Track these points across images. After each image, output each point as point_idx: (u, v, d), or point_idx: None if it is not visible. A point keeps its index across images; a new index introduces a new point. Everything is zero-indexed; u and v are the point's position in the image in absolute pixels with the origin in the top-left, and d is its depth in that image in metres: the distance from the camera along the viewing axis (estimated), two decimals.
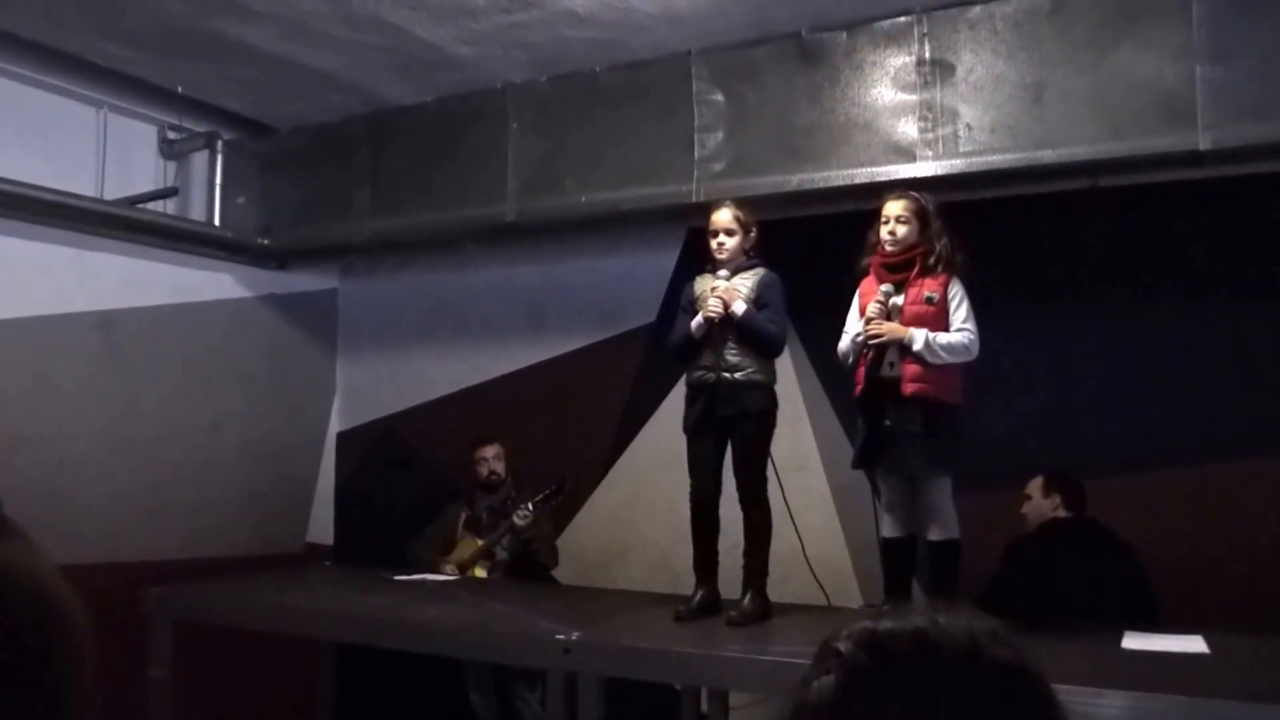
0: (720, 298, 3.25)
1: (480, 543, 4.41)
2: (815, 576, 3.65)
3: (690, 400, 3.37)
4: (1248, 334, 3.77)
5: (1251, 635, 3.02)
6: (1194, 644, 2.87)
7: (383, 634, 3.45)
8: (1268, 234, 3.78)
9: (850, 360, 3.18)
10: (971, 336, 3.06)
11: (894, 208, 3.13)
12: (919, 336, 3.01)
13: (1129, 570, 3.45)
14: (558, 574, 4.47)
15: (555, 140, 4.26)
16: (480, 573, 4.39)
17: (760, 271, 3.35)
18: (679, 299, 3.56)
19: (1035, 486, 3.68)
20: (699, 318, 3.29)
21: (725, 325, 3.26)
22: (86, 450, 4.24)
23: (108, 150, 4.47)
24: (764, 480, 3.31)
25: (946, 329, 3.06)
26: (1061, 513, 3.61)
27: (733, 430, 3.29)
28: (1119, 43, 3.37)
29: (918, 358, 3.02)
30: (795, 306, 4.10)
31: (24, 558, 0.69)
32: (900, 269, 3.12)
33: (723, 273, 3.31)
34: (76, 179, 4.28)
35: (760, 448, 3.30)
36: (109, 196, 4.40)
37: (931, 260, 3.10)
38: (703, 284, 3.38)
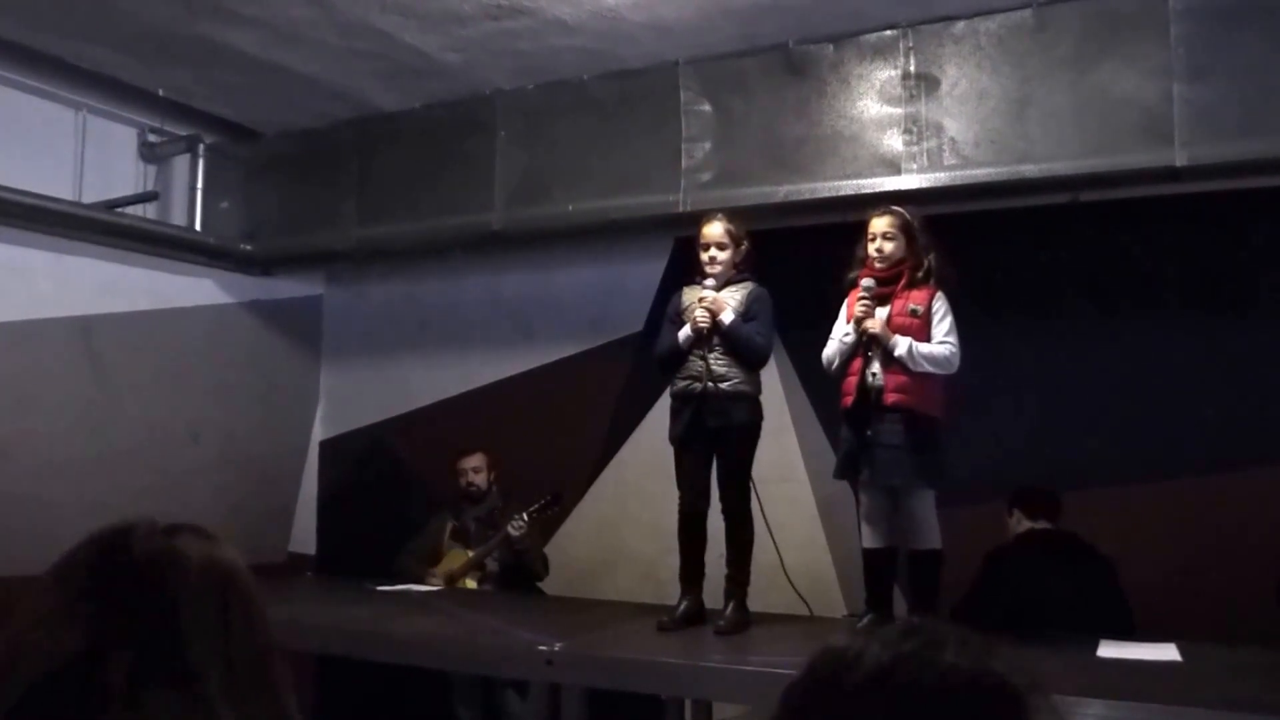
0: (708, 308, 3.26)
1: (469, 553, 4.38)
2: (795, 589, 3.66)
3: (676, 411, 3.37)
4: (1225, 348, 3.83)
5: (1223, 644, 3.07)
6: (1168, 653, 2.92)
7: (366, 646, 3.41)
8: (1243, 250, 3.84)
9: (835, 366, 3.20)
10: (953, 349, 3.10)
11: (880, 224, 3.16)
12: (902, 343, 3.04)
13: (1105, 581, 3.49)
14: (544, 585, 4.45)
15: (543, 149, 4.26)
16: (470, 584, 4.37)
17: (750, 285, 3.36)
18: (666, 309, 3.56)
19: (1004, 512, 3.73)
20: (687, 329, 3.29)
21: (712, 335, 3.27)
22: (64, 458, 4.17)
23: (86, 153, 4.42)
24: (749, 492, 3.32)
25: (929, 341, 3.09)
26: (1025, 525, 3.65)
27: (720, 442, 3.29)
28: (1100, 60, 3.42)
29: (901, 367, 3.05)
30: (781, 318, 4.13)
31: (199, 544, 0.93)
32: (887, 283, 3.15)
33: (709, 283, 3.32)
34: (54, 182, 4.22)
35: (746, 460, 3.31)
36: (88, 200, 4.35)
37: (920, 274, 3.13)
38: (690, 295, 3.39)
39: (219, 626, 0.89)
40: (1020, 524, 3.66)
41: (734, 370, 3.26)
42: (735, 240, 3.35)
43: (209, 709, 0.85)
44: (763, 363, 3.36)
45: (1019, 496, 3.71)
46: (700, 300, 3.28)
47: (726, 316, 3.25)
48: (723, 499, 3.32)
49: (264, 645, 0.93)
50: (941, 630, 0.75)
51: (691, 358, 3.29)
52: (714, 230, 3.35)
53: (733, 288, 3.34)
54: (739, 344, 3.26)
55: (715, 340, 3.26)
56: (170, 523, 0.95)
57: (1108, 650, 2.95)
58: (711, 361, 3.25)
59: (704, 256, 3.34)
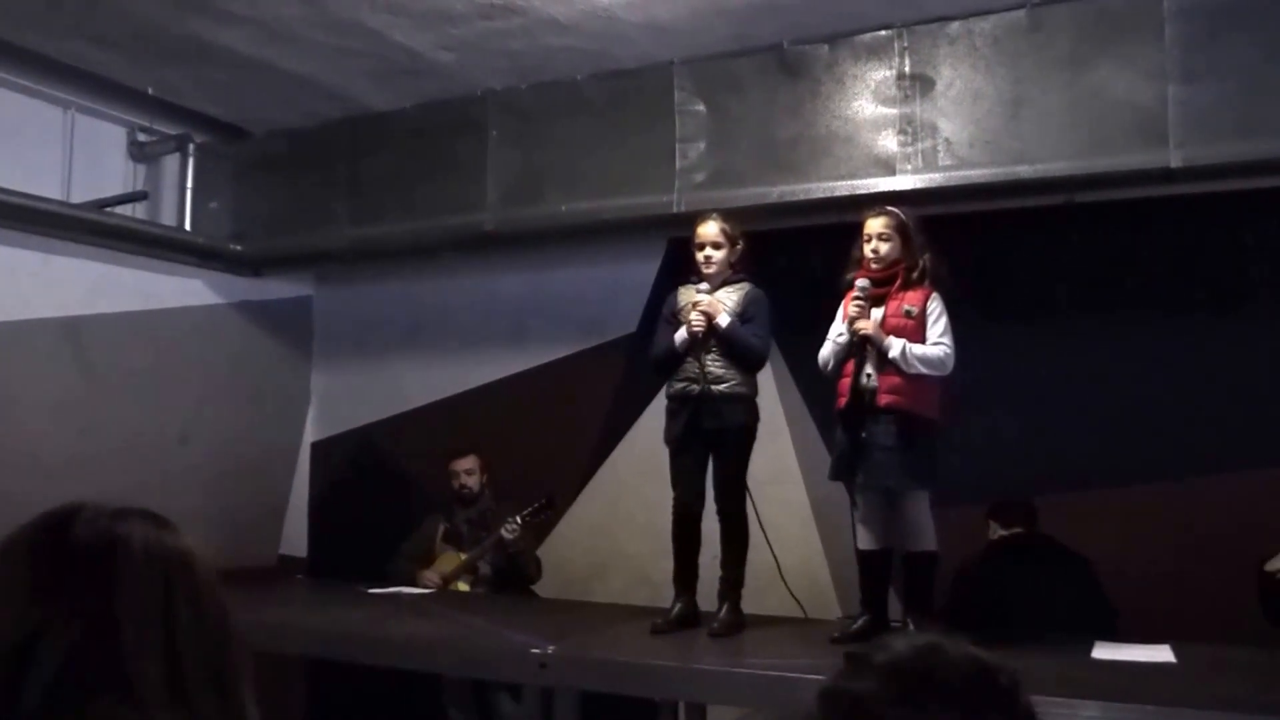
0: (704, 311, 3.24)
1: (462, 556, 4.36)
2: (791, 592, 3.65)
3: (673, 413, 3.35)
4: (1218, 350, 3.82)
5: (1217, 645, 3.08)
6: (1162, 654, 2.94)
7: (357, 649, 3.39)
8: (1238, 252, 3.84)
9: (830, 366, 3.19)
10: (947, 351, 3.09)
11: (875, 225, 3.16)
12: (896, 344, 3.04)
13: (1081, 581, 3.50)
14: (538, 587, 4.44)
15: (536, 149, 4.24)
16: (463, 587, 4.35)
17: (746, 286, 3.35)
18: (660, 310, 3.55)
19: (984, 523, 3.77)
20: (682, 331, 3.28)
21: (709, 337, 3.25)
22: (52, 459, 4.11)
23: (75, 152, 4.38)
24: (745, 494, 3.31)
25: (923, 342, 3.08)
26: (999, 534, 3.68)
27: (716, 444, 3.28)
28: (1095, 61, 3.42)
29: (894, 369, 3.04)
30: (776, 319, 4.11)
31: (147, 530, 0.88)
32: (883, 284, 3.15)
33: (704, 286, 3.31)
34: (42, 181, 4.18)
35: (742, 462, 3.31)
36: (76, 200, 4.31)
37: (915, 275, 3.13)
38: (686, 295, 3.37)
39: (161, 619, 0.83)
40: (995, 533, 3.71)
41: (731, 372, 3.25)
42: (731, 240, 3.33)
43: (141, 707, 0.79)
44: (761, 365, 3.35)
45: (995, 508, 3.74)
46: (695, 304, 3.27)
47: (722, 320, 3.24)
48: (718, 501, 3.31)
49: (216, 641, 0.86)
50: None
51: (688, 360, 3.27)
52: (709, 230, 3.33)
53: (729, 288, 3.33)
54: (736, 347, 3.25)
55: (712, 342, 3.25)
56: (120, 506, 0.89)
57: (1102, 652, 2.97)
58: (708, 363, 3.24)
59: (699, 256, 3.33)
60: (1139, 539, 3.71)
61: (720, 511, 3.31)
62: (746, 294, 3.32)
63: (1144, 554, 3.67)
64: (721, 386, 3.24)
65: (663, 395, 3.44)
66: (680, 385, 3.30)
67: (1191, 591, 3.57)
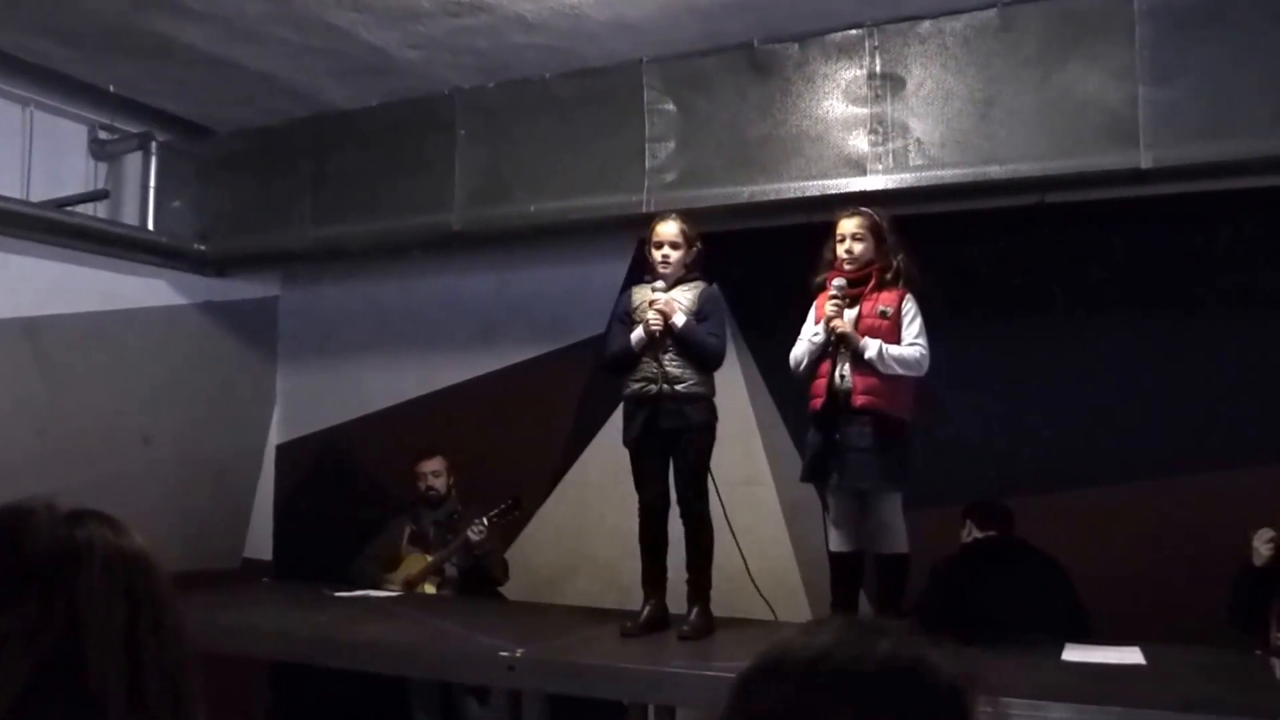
0: (661, 311, 3.21)
1: (428, 558, 4.32)
2: (760, 593, 3.63)
3: (630, 414, 3.33)
4: (1187, 351, 3.84)
5: (1187, 647, 3.08)
6: (1131, 655, 2.94)
7: (323, 652, 3.36)
8: (1209, 253, 3.85)
9: (803, 366, 3.17)
10: (923, 351, 3.08)
11: (849, 225, 3.14)
12: (872, 345, 3.02)
13: (1056, 585, 3.51)
14: (505, 590, 4.40)
15: (503, 148, 4.20)
16: (429, 589, 4.30)
17: (700, 284, 3.33)
18: (614, 309, 3.51)
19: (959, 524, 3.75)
20: (639, 331, 3.25)
21: (665, 337, 3.23)
22: (11, 460, 4.03)
23: (34, 150, 4.30)
24: (706, 494, 3.29)
25: (898, 343, 3.07)
26: (974, 535, 3.66)
27: (675, 444, 3.26)
28: (1065, 61, 3.42)
29: (870, 369, 3.03)
30: (747, 320, 4.09)
31: (107, 535, 0.83)
32: (857, 284, 3.13)
33: (659, 284, 3.28)
34: (1, 180, 4.09)
35: (703, 462, 3.28)
36: (35, 198, 4.23)
37: (889, 275, 3.11)
38: (640, 294, 3.35)
39: (124, 628, 0.79)
40: (970, 534, 3.69)
41: (689, 372, 3.23)
42: (689, 241, 3.32)
43: None
44: (718, 364, 3.33)
45: (971, 509, 3.73)
46: (652, 303, 3.24)
47: (679, 319, 3.22)
48: (680, 502, 3.29)
49: (175, 650, 0.82)
50: (885, 624, 0.76)
51: (645, 360, 3.24)
52: (669, 229, 3.31)
53: (683, 286, 3.31)
54: (693, 347, 3.24)
55: (669, 342, 3.22)
56: (73, 509, 0.84)
57: (1072, 654, 2.96)
58: (666, 363, 3.21)
59: (656, 255, 3.31)
60: (1112, 540, 3.72)
61: (684, 514, 3.28)
62: (701, 292, 3.31)
63: (1116, 555, 3.67)
64: (681, 386, 3.22)
65: (622, 396, 3.40)
66: (638, 385, 3.26)
67: (1163, 594, 3.57)
